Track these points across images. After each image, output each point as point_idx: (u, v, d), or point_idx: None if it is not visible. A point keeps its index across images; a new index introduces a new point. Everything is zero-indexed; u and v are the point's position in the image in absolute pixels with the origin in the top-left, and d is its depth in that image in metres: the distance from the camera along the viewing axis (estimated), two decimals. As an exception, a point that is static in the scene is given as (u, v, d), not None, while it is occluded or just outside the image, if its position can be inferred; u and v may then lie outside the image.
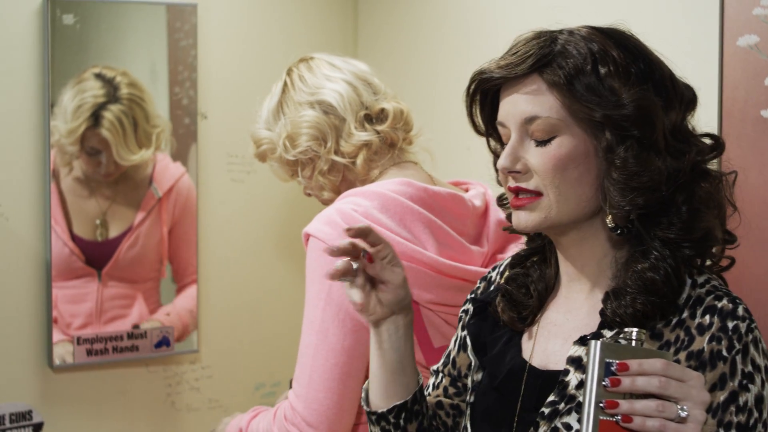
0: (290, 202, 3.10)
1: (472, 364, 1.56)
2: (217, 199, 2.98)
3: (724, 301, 1.33)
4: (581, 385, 1.33)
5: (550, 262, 1.50)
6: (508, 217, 1.52)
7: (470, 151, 2.59)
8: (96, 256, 2.77)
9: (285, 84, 2.15)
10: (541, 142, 1.36)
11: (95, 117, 2.71)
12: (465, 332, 1.60)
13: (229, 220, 3.00)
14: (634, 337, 1.22)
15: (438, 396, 1.62)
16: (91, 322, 2.77)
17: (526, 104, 1.36)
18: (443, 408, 1.60)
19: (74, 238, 2.74)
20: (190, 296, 2.91)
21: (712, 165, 1.42)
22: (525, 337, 1.48)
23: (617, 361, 1.19)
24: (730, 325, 1.30)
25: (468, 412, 1.52)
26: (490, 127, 1.49)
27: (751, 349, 1.30)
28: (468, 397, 1.55)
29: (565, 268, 1.46)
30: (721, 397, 1.28)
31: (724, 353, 1.28)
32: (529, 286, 1.49)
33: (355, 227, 1.45)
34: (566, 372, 1.36)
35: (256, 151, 2.22)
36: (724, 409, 1.27)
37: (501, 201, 1.54)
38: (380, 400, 1.53)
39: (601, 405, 1.17)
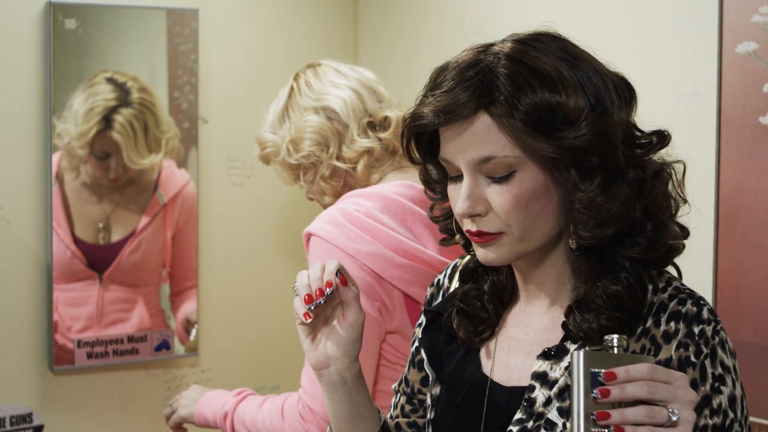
0: (290, 205, 3.11)
1: (430, 378, 1.51)
2: (217, 203, 2.99)
3: (689, 305, 1.31)
4: (549, 402, 1.31)
5: (502, 270, 1.45)
6: (445, 231, 1.48)
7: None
8: (98, 259, 2.78)
9: (291, 89, 2.17)
10: (499, 180, 1.29)
11: (106, 120, 2.72)
12: (414, 346, 1.56)
13: (229, 223, 3.01)
14: (615, 344, 1.18)
15: (396, 417, 1.58)
16: (91, 326, 2.77)
17: (477, 145, 1.28)
18: (401, 429, 1.56)
19: (76, 240, 2.75)
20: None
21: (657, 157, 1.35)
22: (483, 351, 1.44)
23: (604, 371, 1.14)
24: (696, 330, 1.28)
25: (429, 429, 1.48)
26: (427, 157, 1.41)
27: (719, 351, 1.28)
28: (428, 414, 1.50)
29: (524, 284, 1.42)
30: None
31: (693, 359, 1.27)
32: (483, 300, 1.44)
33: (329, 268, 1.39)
34: (532, 388, 1.33)
35: (261, 153, 2.24)
36: (699, 413, 1.25)
37: (434, 219, 1.49)
38: None
39: (592, 417, 1.13)
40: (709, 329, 1.29)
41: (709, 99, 2.05)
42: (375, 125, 2.11)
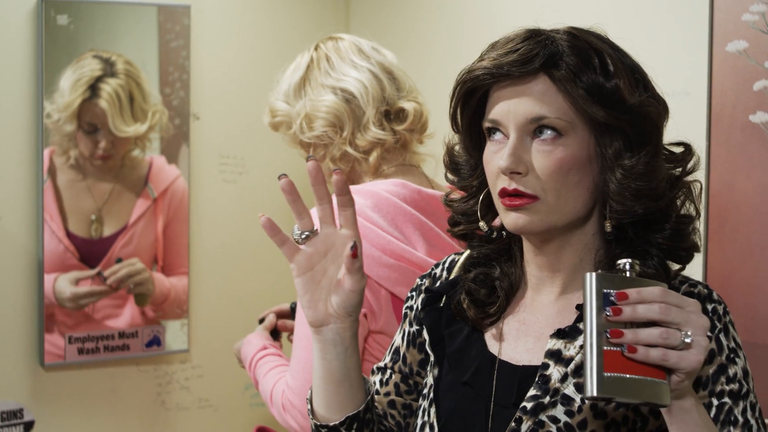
0: (282, 202, 3.08)
1: (431, 360, 1.50)
2: (209, 200, 2.99)
3: (700, 288, 1.36)
4: (565, 378, 1.33)
5: (516, 261, 1.47)
6: (453, 220, 1.49)
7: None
8: (90, 253, 2.78)
9: (311, 60, 2.10)
10: (546, 144, 1.33)
11: (92, 89, 2.72)
12: (414, 327, 1.54)
13: (221, 220, 3.01)
14: (627, 268, 1.19)
15: (389, 394, 1.55)
16: (83, 321, 2.77)
17: (532, 104, 1.32)
18: (395, 407, 1.54)
19: (69, 235, 2.75)
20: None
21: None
22: (489, 333, 1.45)
23: (616, 291, 1.16)
24: (710, 307, 1.33)
25: (432, 410, 1.46)
26: (469, 127, 1.44)
27: (731, 328, 1.33)
28: (428, 394, 1.48)
29: (536, 272, 1.43)
30: (710, 370, 1.30)
31: (708, 333, 1.27)
32: (494, 284, 1.45)
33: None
34: (546, 366, 1.35)
35: (271, 120, 2.16)
36: (714, 380, 1.29)
37: (450, 201, 1.50)
38: (326, 411, 1.43)
39: (606, 335, 1.14)
40: (720, 308, 1.34)
41: (699, 97, 2.06)
42: (391, 115, 2.06)
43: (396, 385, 1.55)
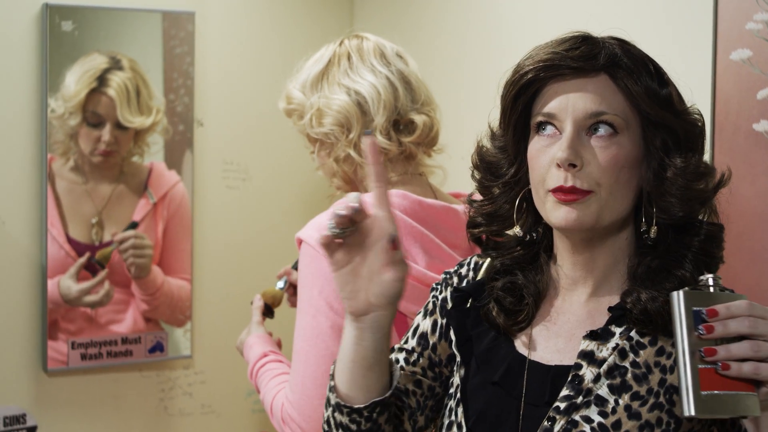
0: (285, 208, 3.11)
1: (457, 359, 1.50)
2: (212, 206, 2.99)
3: (727, 292, 1.37)
4: (598, 378, 1.34)
5: (541, 269, 1.48)
6: (473, 223, 1.49)
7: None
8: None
9: (334, 55, 2.08)
10: (602, 140, 1.35)
11: (100, 80, 2.73)
12: (445, 320, 1.54)
13: (224, 227, 3.02)
14: (711, 283, 1.21)
15: (415, 374, 1.53)
16: (85, 327, 2.78)
17: (593, 100, 1.35)
18: (421, 387, 1.53)
19: (70, 240, 2.75)
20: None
21: None
22: (518, 340, 1.45)
23: (706, 308, 1.17)
24: None
25: (460, 410, 1.46)
26: (517, 123, 1.44)
27: None
28: (455, 394, 1.48)
29: (570, 272, 1.44)
30: None
31: None
32: (522, 292, 1.46)
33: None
34: (578, 366, 1.35)
35: (285, 107, 2.14)
36: None
37: (474, 202, 1.51)
38: (351, 391, 1.42)
39: (700, 353, 1.15)
40: None
41: (703, 105, 2.06)
42: (400, 126, 2.03)
43: (423, 369, 1.54)
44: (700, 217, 1.40)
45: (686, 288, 1.24)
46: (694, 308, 1.18)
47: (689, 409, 1.16)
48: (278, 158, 3.10)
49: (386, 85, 2.02)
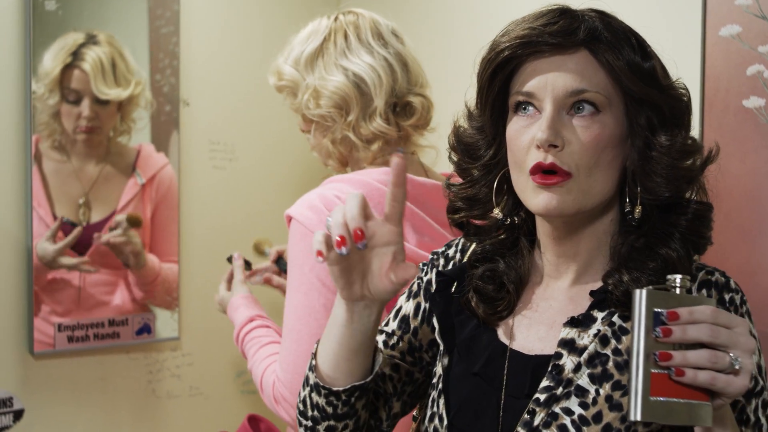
0: (272, 188, 3.10)
1: (440, 348, 1.47)
2: (199, 186, 2.97)
3: (717, 275, 1.34)
4: (578, 368, 1.30)
5: (522, 253, 1.44)
6: (453, 206, 1.45)
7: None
8: (79, 240, 2.76)
9: (330, 32, 2.04)
10: (584, 119, 1.30)
11: (74, 55, 2.71)
12: (428, 304, 1.51)
13: (211, 207, 3.00)
14: (678, 284, 1.16)
15: (393, 358, 1.51)
16: (72, 309, 2.76)
17: (573, 77, 1.30)
18: (398, 371, 1.50)
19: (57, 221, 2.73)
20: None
21: None
22: (500, 329, 1.42)
23: (667, 311, 1.12)
24: (727, 297, 1.32)
25: (441, 401, 1.43)
26: (495, 102, 1.40)
27: (748, 320, 1.28)
28: (437, 384, 1.46)
29: (553, 258, 1.41)
30: None
31: None
32: (503, 280, 1.42)
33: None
34: (559, 355, 1.32)
35: (276, 83, 2.11)
36: None
37: (452, 186, 1.47)
38: (332, 372, 1.39)
39: (654, 357, 1.11)
40: (737, 298, 1.33)
41: (692, 82, 2.05)
42: (397, 108, 2.02)
43: (402, 353, 1.52)
44: (688, 196, 1.36)
45: (650, 287, 1.18)
46: (656, 309, 1.13)
47: (635, 413, 1.11)
48: (264, 138, 3.08)
49: (385, 66, 2.00)
